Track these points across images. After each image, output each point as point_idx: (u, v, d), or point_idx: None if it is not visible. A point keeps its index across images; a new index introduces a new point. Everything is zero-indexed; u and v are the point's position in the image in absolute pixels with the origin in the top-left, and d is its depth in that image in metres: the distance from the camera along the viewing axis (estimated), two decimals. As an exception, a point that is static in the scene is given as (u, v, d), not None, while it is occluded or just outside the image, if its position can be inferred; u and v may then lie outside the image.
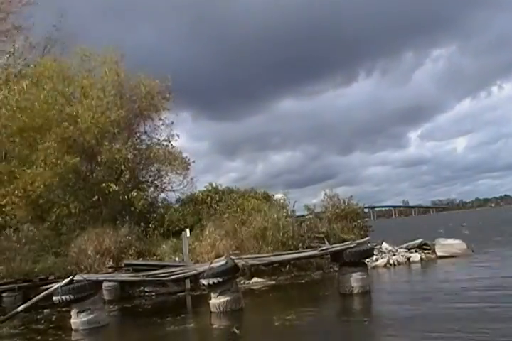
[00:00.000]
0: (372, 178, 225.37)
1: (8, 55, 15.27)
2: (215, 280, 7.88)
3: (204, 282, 8.03)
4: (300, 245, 12.90)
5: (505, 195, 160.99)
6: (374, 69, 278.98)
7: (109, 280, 10.11)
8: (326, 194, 16.20)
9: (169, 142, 17.96)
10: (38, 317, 9.42)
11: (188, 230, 12.83)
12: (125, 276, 9.63)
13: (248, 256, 9.86)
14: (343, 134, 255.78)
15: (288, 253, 10.48)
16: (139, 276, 8.84)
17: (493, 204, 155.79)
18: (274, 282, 11.79)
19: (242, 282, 11.17)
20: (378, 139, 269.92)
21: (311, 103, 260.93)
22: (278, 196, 16.80)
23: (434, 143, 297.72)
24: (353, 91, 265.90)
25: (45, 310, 9.84)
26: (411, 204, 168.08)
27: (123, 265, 11.88)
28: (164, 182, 18.36)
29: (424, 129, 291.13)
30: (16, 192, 14.06)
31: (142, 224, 15.32)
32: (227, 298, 7.98)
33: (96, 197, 15.65)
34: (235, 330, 6.68)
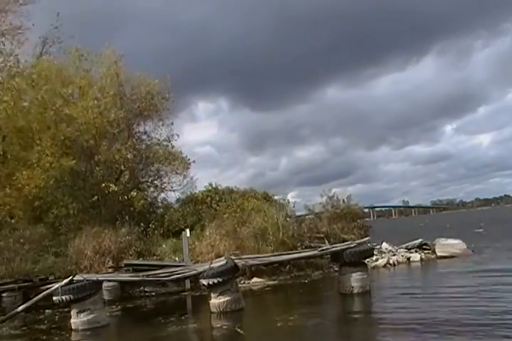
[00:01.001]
0: (388, 176, 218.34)
1: (5, 55, 15.26)
2: (215, 281, 7.88)
3: (204, 282, 8.03)
4: (300, 245, 12.91)
5: (506, 195, 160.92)
6: (433, 52, 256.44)
7: (109, 280, 10.11)
8: (324, 194, 16.20)
9: (169, 142, 17.99)
10: (39, 317, 9.42)
11: (188, 230, 12.83)
12: (125, 276, 9.63)
13: (248, 256, 9.86)
14: (375, 126, 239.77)
15: (288, 253, 10.48)
16: (139, 276, 8.83)
17: (493, 204, 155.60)
18: (274, 282, 11.79)
19: (242, 282, 11.18)
20: (411, 133, 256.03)
21: (354, 91, 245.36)
22: (278, 196, 16.83)
23: (464, 137, 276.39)
24: (406, 77, 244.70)
25: (47, 311, 9.84)
26: (418, 203, 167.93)
27: (123, 265, 11.88)
28: (164, 182, 18.38)
29: (461, 122, 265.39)
30: (13, 193, 14.05)
31: (142, 224, 15.32)
32: (228, 298, 7.98)
33: (95, 197, 15.65)
34: (239, 330, 6.67)
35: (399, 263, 13.39)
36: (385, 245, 15.15)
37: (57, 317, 9.28)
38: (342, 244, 9.56)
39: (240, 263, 8.52)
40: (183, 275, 8.69)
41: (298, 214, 16.26)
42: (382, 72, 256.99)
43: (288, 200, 15.51)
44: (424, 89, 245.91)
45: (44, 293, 8.04)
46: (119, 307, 10.15)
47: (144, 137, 18.40)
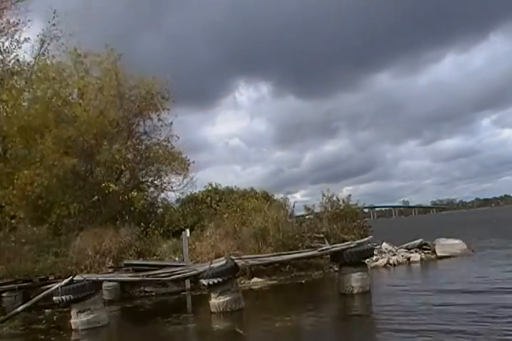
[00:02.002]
0: (405, 173, 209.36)
1: (4, 54, 15.29)
2: (215, 281, 7.88)
3: (204, 282, 8.04)
4: (300, 245, 12.90)
5: (505, 195, 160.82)
6: (497, 33, 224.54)
7: (109, 280, 10.11)
8: (324, 194, 16.19)
9: (169, 142, 17.96)
10: (39, 317, 9.42)
11: (188, 230, 12.83)
12: (125, 276, 9.62)
13: (248, 256, 9.85)
14: (410, 118, 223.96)
15: (288, 253, 10.46)
16: (139, 276, 8.84)
17: (493, 205, 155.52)
18: (274, 282, 11.79)
19: (242, 282, 11.17)
20: (445, 126, 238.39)
21: (404, 79, 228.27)
22: (278, 196, 16.83)
23: (498, 131, 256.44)
24: (463, 62, 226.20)
25: (46, 310, 9.84)
26: (420, 203, 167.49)
27: (123, 265, 11.87)
28: (164, 182, 18.36)
29: (500, 115, 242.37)
30: (15, 192, 14.06)
31: (142, 224, 15.31)
32: (228, 298, 7.98)
33: (96, 197, 15.66)
34: (239, 330, 6.67)
35: (399, 263, 13.38)
36: (385, 245, 15.15)
37: (57, 317, 9.28)
38: (342, 244, 9.55)
39: (240, 263, 8.53)
40: (183, 275, 8.69)
41: (298, 214, 16.28)
42: (442, 56, 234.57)
43: (286, 199, 15.58)
44: (476, 76, 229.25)
45: (44, 293, 8.04)
46: (119, 307, 10.15)
47: (144, 137, 18.40)
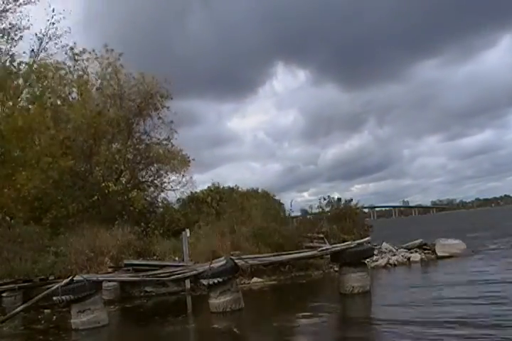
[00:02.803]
0: (419, 171, 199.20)
1: (2, 54, 15.27)
2: (215, 281, 7.88)
3: (204, 282, 8.04)
4: (300, 245, 12.89)
5: (505, 195, 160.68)
6: None
7: (109, 280, 10.10)
8: (322, 197, 16.22)
9: (169, 141, 17.97)
10: (39, 317, 9.41)
11: (188, 230, 12.81)
12: (125, 276, 9.62)
13: (248, 256, 9.83)
14: (440, 112, 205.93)
15: (288, 253, 10.45)
16: (139, 276, 8.83)
17: (493, 205, 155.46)
18: (274, 282, 11.79)
19: (242, 282, 11.17)
20: (474, 120, 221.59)
21: (448, 69, 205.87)
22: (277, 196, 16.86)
23: None
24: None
25: (46, 310, 9.82)
26: (420, 203, 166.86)
27: (123, 265, 11.86)
28: (164, 182, 18.36)
29: None
30: (12, 193, 14.04)
31: (142, 223, 15.31)
32: (227, 298, 7.97)
33: (95, 197, 15.65)
34: (235, 330, 6.67)
35: (399, 263, 13.37)
36: (385, 245, 15.15)
37: (57, 317, 9.27)
38: (342, 244, 9.55)
39: (239, 263, 8.52)
40: (183, 275, 8.68)
41: (298, 214, 16.28)
42: (495, 41, 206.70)
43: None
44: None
45: (44, 293, 8.03)
46: (119, 307, 10.15)
47: (144, 137, 18.39)
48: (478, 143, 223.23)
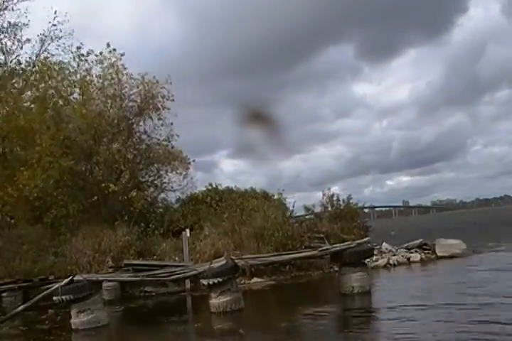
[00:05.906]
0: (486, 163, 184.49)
1: (5, 53, 15.29)
2: (215, 281, 7.88)
3: (204, 282, 8.03)
4: (300, 245, 12.89)
5: (505, 195, 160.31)
6: None
7: (109, 280, 10.10)
8: (324, 194, 16.19)
9: (169, 142, 17.94)
10: (39, 317, 9.40)
11: (188, 230, 12.83)
12: (125, 276, 9.62)
13: (248, 256, 9.85)
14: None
15: (288, 253, 10.47)
16: (139, 276, 8.83)
17: (493, 205, 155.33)
18: (274, 282, 11.79)
19: (242, 282, 11.16)
20: None
21: None
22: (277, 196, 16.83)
23: None
24: None
25: (50, 310, 9.79)
26: (421, 203, 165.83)
27: (123, 265, 11.86)
28: (164, 182, 18.34)
29: None
30: (13, 193, 14.04)
31: (142, 224, 15.29)
32: (228, 298, 7.97)
33: (95, 197, 15.64)
34: (241, 331, 6.65)
35: (399, 263, 13.37)
36: (385, 245, 15.14)
37: (57, 317, 9.27)
38: (342, 244, 9.54)
39: (240, 263, 8.52)
40: (183, 275, 8.69)
41: (298, 214, 16.27)
42: None
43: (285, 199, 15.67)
44: None
45: (44, 293, 8.03)
46: (119, 307, 10.15)
47: (144, 137, 18.36)
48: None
